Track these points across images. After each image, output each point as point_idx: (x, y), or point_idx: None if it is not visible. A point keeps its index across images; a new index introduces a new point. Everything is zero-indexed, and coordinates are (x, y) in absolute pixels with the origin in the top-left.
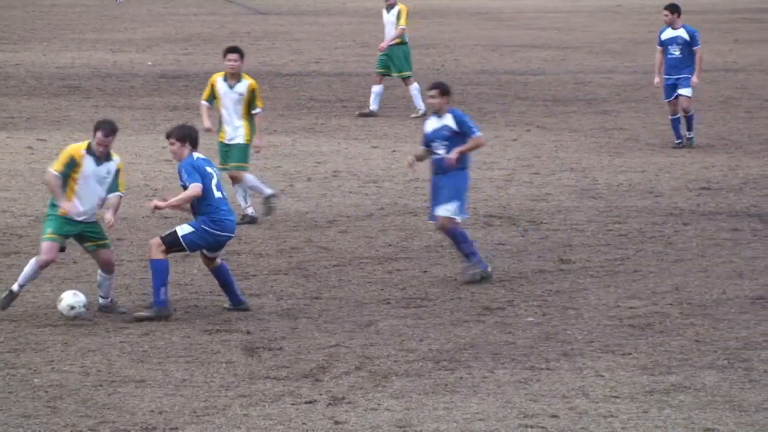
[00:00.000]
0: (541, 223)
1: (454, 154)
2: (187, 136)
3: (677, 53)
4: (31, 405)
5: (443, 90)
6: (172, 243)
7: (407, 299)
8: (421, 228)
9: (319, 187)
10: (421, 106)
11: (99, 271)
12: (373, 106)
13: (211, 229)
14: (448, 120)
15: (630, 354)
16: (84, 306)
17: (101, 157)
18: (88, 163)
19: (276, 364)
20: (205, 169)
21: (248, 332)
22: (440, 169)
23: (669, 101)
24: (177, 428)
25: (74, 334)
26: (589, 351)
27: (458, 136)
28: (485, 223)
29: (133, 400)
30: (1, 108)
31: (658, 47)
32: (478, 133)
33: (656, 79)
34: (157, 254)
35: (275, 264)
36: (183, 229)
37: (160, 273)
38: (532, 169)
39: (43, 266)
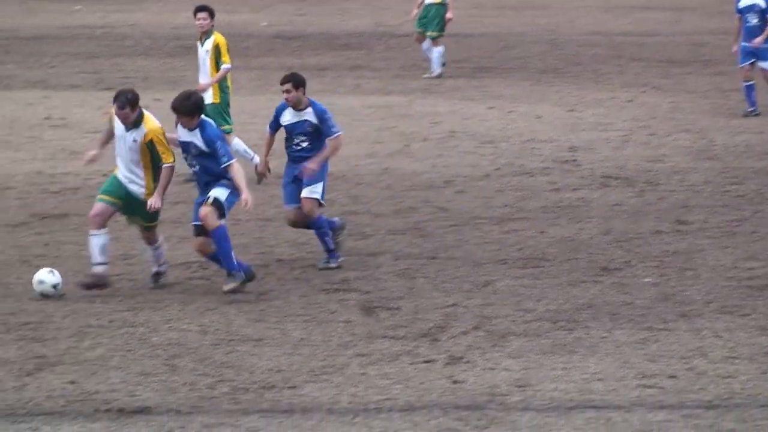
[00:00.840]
0: (658, 184)
1: (313, 164)
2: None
3: (755, 21)
4: (150, 363)
5: (297, 82)
6: (221, 207)
7: (524, 259)
8: (538, 189)
9: (436, 147)
10: (437, 69)
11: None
12: (437, 68)
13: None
14: (309, 114)
15: (749, 315)
16: (54, 287)
17: (127, 125)
18: (117, 125)
19: (394, 323)
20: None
21: (366, 292)
22: (299, 161)
23: (742, 67)
24: (295, 387)
25: (192, 293)
26: (707, 312)
27: (320, 131)
28: (601, 184)
29: (251, 359)
30: (118, 68)
31: (737, 15)
32: (338, 134)
33: (734, 48)
34: (215, 221)
35: (392, 224)
36: (220, 192)
37: (225, 239)
38: (648, 130)
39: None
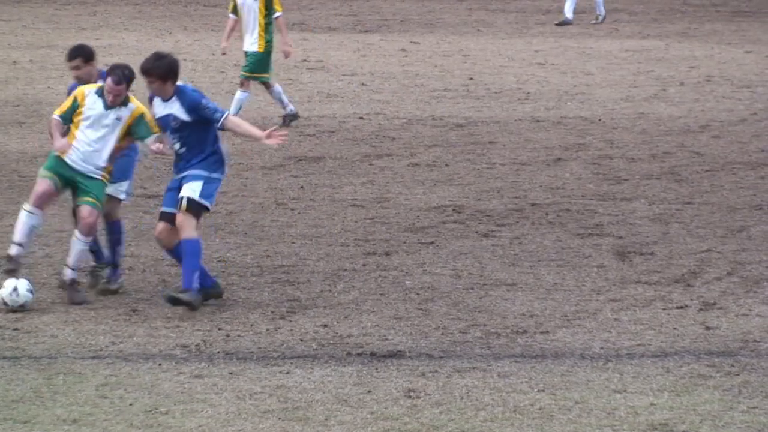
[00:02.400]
0: None
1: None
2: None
3: None
4: (403, 307)
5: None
6: (198, 207)
7: None
8: None
9: (692, 91)
10: (601, 11)
11: (75, 231)
12: (568, 14)
13: (222, 175)
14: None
15: None
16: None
17: (113, 103)
18: (92, 104)
19: (647, 268)
20: None
21: (620, 237)
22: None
23: None
24: (548, 332)
25: (445, 237)
26: None
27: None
28: None
29: (503, 304)
30: (375, 10)
31: None
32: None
33: None
34: (191, 232)
35: (647, 168)
36: (194, 188)
37: (195, 254)
38: None
39: (35, 203)
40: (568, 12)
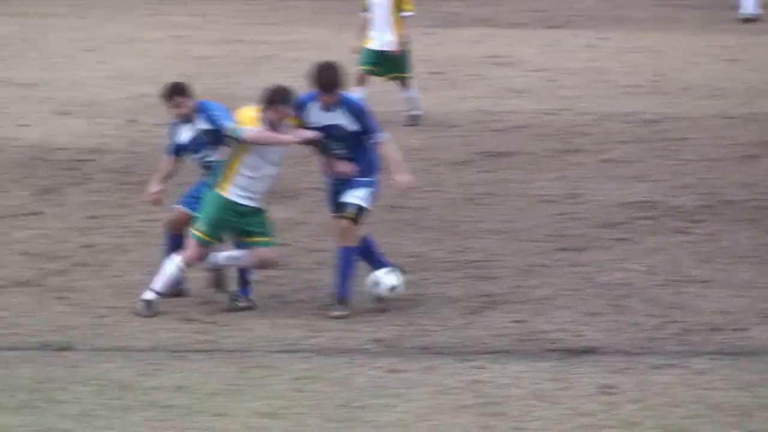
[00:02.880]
0: None
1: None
2: None
3: None
4: (597, 303)
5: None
6: (361, 215)
7: None
8: None
9: None
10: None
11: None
12: (751, 9)
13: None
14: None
15: None
16: (391, 289)
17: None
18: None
19: None
20: None
21: None
22: None
23: None
24: (744, 329)
25: (639, 233)
26: None
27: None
28: None
29: (698, 300)
30: (565, 5)
31: None
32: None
33: None
34: (350, 240)
35: None
36: (361, 194)
37: (350, 263)
38: None
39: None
40: (751, 7)
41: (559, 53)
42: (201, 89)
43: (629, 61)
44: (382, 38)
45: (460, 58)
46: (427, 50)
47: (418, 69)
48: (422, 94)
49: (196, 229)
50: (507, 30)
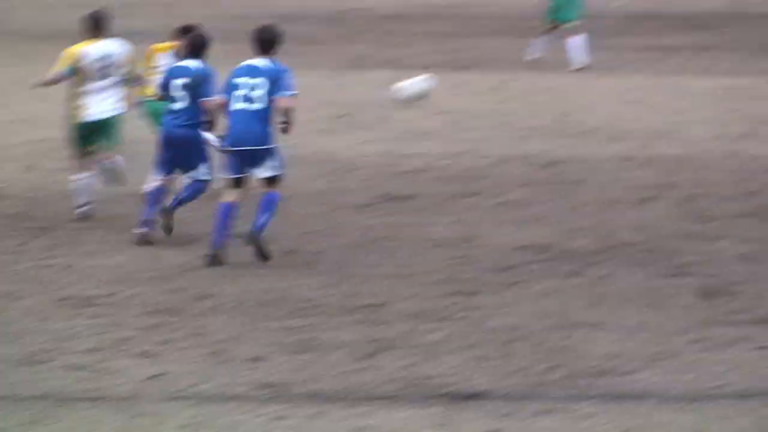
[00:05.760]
0: None
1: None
2: None
3: None
4: (485, 347)
5: None
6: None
7: None
8: None
9: None
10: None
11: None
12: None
13: None
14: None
15: None
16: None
17: None
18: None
19: (733, 308)
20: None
21: (707, 276)
22: None
23: None
24: (630, 372)
25: (530, 277)
26: None
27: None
28: None
29: (586, 344)
30: (473, 48)
31: None
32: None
33: None
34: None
35: (737, 207)
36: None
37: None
38: None
39: None
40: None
41: (466, 95)
42: None
43: (534, 102)
44: None
45: (366, 101)
46: (333, 92)
47: (322, 111)
48: (327, 137)
49: None
50: (414, 72)
